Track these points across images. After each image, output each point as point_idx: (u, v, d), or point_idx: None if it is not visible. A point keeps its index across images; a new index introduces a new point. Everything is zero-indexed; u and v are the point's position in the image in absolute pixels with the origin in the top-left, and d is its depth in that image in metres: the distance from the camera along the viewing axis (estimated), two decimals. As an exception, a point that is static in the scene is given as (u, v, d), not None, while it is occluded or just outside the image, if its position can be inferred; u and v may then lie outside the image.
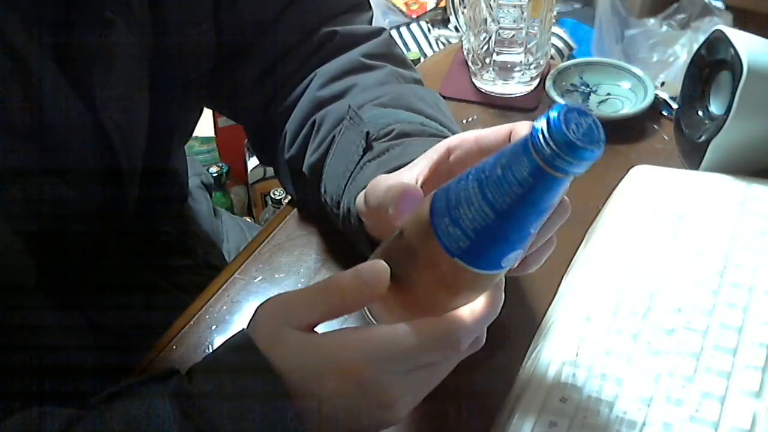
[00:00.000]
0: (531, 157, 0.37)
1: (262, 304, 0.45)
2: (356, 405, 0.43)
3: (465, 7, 0.86)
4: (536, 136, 0.37)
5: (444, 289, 0.43)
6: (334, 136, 0.64)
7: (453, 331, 0.43)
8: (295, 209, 0.75)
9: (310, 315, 0.44)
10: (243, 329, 0.45)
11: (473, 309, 0.44)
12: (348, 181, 0.60)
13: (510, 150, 0.38)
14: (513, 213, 0.39)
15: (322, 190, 0.64)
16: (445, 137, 0.60)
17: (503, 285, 0.46)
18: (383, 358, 0.43)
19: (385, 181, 0.52)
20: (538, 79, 0.89)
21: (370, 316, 0.48)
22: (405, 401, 0.45)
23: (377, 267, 0.44)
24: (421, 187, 0.50)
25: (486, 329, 0.46)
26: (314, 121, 0.67)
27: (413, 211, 0.44)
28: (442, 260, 0.41)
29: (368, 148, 0.61)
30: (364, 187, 0.55)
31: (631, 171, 0.73)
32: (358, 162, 0.60)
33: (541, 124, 0.36)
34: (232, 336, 0.45)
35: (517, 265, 0.44)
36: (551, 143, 0.36)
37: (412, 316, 0.44)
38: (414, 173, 0.52)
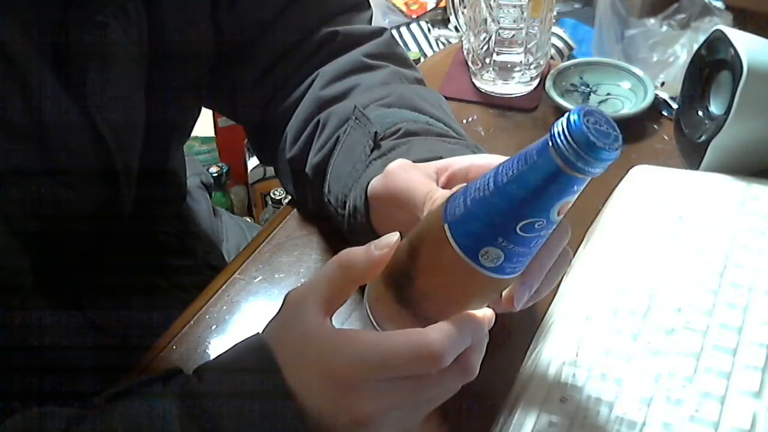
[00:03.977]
0: (548, 154, 0.38)
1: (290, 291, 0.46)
2: (338, 409, 0.43)
3: (465, 7, 0.86)
4: (554, 133, 0.38)
5: (430, 267, 0.44)
6: (338, 137, 0.64)
7: (433, 338, 0.42)
8: (295, 209, 0.75)
9: (326, 289, 0.45)
10: (257, 333, 0.46)
11: (456, 322, 0.43)
12: (355, 180, 0.60)
13: (531, 146, 0.40)
14: (508, 190, 0.40)
15: (326, 190, 0.64)
16: (450, 137, 0.61)
17: (493, 316, 0.46)
18: (364, 362, 0.42)
19: (413, 168, 0.53)
20: (538, 79, 0.89)
21: (374, 322, 0.48)
22: (388, 419, 0.43)
23: (388, 235, 0.45)
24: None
25: (476, 352, 0.45)
26: (318, 122, 0.67)
27: None
28: (437, 227, 0.43)
29: (376, 147, 0.61)
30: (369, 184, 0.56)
31: (631, 171, 0.73)
32: (366, 161, 0.60)
33: (561, 122, 0.38)
34: (247, 338, 0.46)
35: (506, 272, 0.43)
36: (570, 141, 0.37)
37: (405, 312, 0.45)
38: (435, 165, 0.54)
